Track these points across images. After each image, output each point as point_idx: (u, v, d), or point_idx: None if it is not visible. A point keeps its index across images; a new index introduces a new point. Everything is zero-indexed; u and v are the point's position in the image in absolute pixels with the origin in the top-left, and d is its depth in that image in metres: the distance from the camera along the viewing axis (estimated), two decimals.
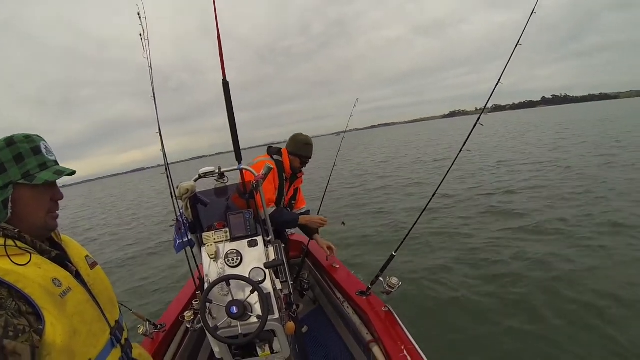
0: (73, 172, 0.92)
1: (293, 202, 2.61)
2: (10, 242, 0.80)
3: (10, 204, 0.83)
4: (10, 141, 0.84)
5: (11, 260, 0.77)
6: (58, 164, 0.93)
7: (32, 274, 0.79)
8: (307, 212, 2.60)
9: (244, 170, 1.84)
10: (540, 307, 3.21)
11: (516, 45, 1.88)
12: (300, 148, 2.43)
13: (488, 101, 2.07)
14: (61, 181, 0.95)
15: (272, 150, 2.46)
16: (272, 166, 1.82)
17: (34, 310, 0.76)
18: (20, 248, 0.81)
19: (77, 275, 0.94)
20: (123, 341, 1.03)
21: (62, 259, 0.92)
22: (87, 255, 1.05)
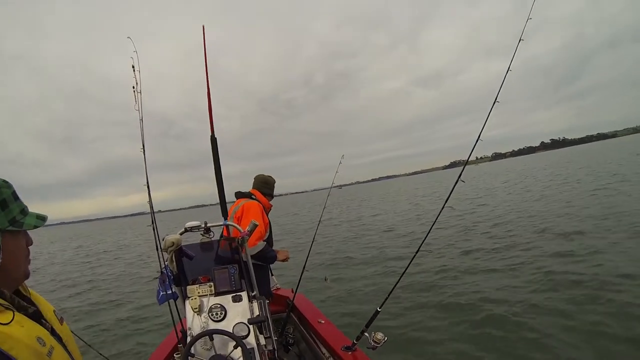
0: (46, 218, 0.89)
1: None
2: None
3: (1, 253, 0.75)
4: None
5: None
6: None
7: (17, 333, 0.70)
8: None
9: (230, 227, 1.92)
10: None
11: (494, 103, 2.00)
12: (272, 187, 2.89)
13: (468, 159, 2.19)
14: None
15: (245, 195, 2.76)
16: (257, 223, 1.95)
17: None
18: (1, 305, 0.72)
19: (53, 332, 0.86)
20: None
21: (38, 315, 0.84)
22: (54, 310, 0.96)
